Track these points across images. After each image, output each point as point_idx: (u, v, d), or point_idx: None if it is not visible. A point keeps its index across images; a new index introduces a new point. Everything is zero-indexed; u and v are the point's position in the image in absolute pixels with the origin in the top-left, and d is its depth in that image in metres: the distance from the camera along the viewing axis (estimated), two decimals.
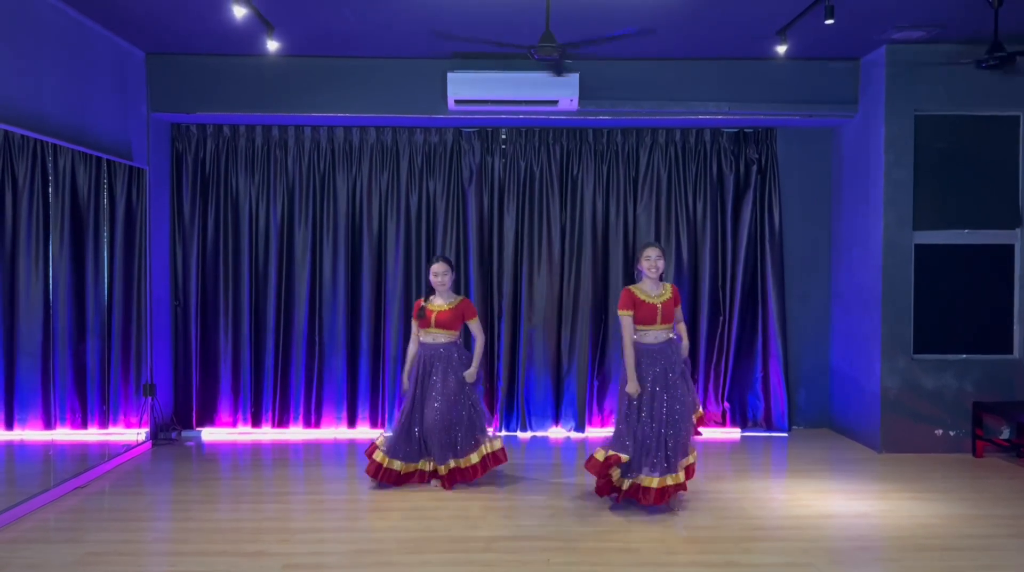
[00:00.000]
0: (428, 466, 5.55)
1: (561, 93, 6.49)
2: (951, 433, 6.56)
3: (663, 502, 4.86)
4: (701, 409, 5.38)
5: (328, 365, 7.24)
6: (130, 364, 6.33)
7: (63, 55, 5.63)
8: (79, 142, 5.72)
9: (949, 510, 5.10)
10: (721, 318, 7.28)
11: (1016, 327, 6.64)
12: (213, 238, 7.21)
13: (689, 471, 5.12)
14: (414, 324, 5.63)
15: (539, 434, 7.28)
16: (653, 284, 5.10)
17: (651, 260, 5.06)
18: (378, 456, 5.51)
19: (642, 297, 5.06)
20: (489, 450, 5.54)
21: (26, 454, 5.68)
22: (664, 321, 5.04)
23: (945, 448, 6.55)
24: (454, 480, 5.47)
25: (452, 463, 5.47)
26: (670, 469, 4.90)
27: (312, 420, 7.25)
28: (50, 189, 5.46)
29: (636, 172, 7.31)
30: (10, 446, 5.55)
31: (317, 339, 7.24)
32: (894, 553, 4.39)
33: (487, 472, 5.56)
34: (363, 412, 7.28)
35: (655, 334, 5.05)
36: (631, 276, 7.22)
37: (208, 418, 7.24)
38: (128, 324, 6.32)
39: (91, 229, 5.90)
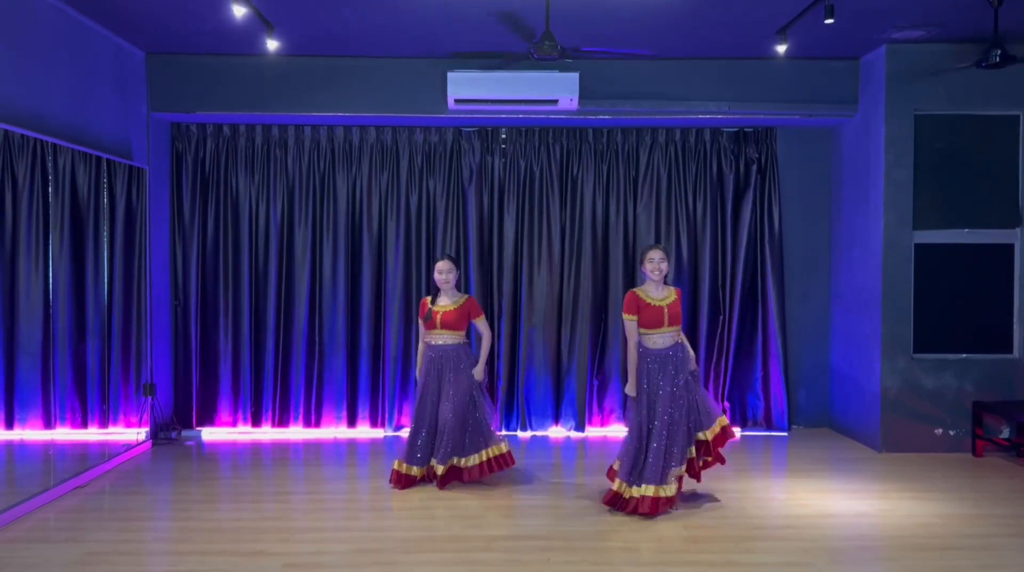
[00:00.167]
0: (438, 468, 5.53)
1: (561, 92, 6.48)
2: (951, 433, 6.56)
3: (653, 513, 4.82)
4: (724, 416, 5.18)
5: (328, 365, 7.24)
6: (130, 364, 6.33)
7: (63, 55, 5.63)
8: (79, 142, 5.72)
9: (949, 509, 5.10)
10: (721, 317, 7.28)
11: (1016, 327, 6.64)
12: (213, 238, 7.21)
13: (697, 468, 5.13)
14: (422, 323, 5.61)
15: (539, 433, 7.28)
16: (657, 286, 5.07)
17: (654, 262, 5.03)
18: (395, 464, 5.55)
19: (647, 300, 5.02)
20: (494, 454, 5.53)
21: (26, 454, 5.68)
22: (671, 324, 5.01)
23: (945, 448, 6.55)
24: (448, 479, 5.46)
25: (453, 460, 5.47)
26: (663, 480, 4.87)
27: (312, 420, 7.25)
28: (50, 189, 5.46)
29: (636, 172, 7.31)
30: (10, 446, 5.55)
31: (317, 339, 7.24)
32: (894, 552, 4.39)
33: (491, 474, 5.54)
34: (363, 412, 7.28)
35: (662, 338, 5.01)
36: (631, 275, 7.23)
37: (208, 418, 7.24)
38: (128, 324, 6.32)
39: (91, 229, 5.89)
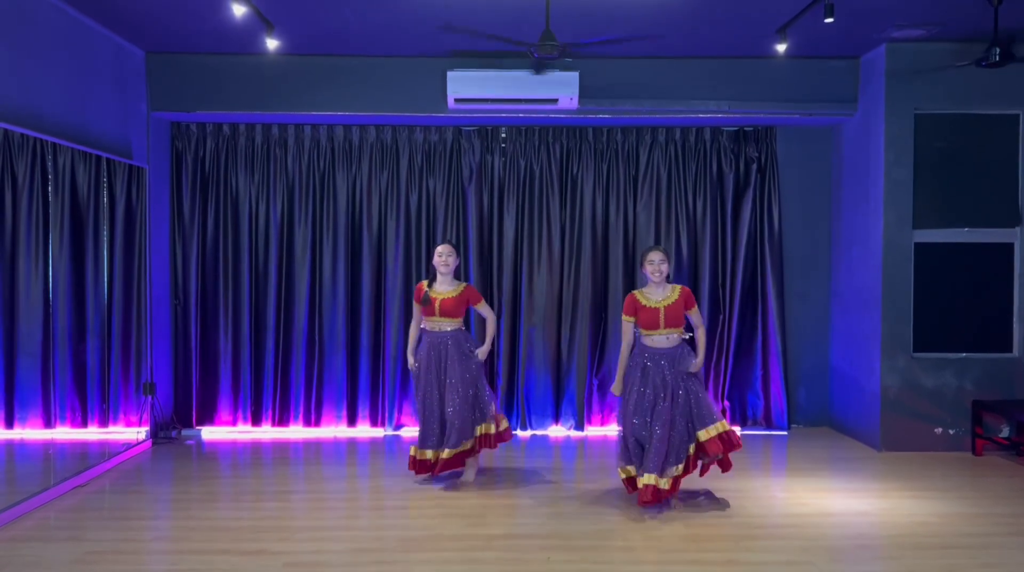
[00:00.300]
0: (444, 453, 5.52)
1: (561, 92, 6.48)
2: (951, 432, 6.56)
3: (654, 502, 4.83)
4: (725, 422, 5.12)
5: (328, 364, 7.24)
6: (130, 363, 6.33)
7: (63, 54, 5.63)
8: (79, 141, 5.72)
9: (949, 508, 5.10)
10: (721, 317, 7.28)
11: (1016, 326, 6.64)
12: (213, 237, 7.21)
13: (696, 465, 5.13)
14: (416, 307, 5.60)
15: (539, 432, 7.28)
16: (658, 288, 5.09)
17: (654, 264, 5.05)
18: (412, 451, 5.55)
19: (644, 302, 5.06)
20: (484, 432, 5.53)
21: (26, 453, 5.68)
22: (668, 325, 5.02)
23: (945, 447, 6.55)
24: (449, 465, 5.45)
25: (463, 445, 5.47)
26: (662, 473, 4.88)
27: (312, 419, 7.25)
28: (50, 188, 5.46)
29: (636, 171, 7.31)
30: (10, 445, 5.55)
31: (317, 338, 7.24)
32: (894, 551, 4.39)
33: (485, 447, 5.58)
34: (363, 411, 7.28)
35: (659, 338, 5.04)
36: (631, 275, 7.23)
37: (208, 417, 7.24)
38: (128, 323, 6.32)
39: (91, 228, 5.89)
